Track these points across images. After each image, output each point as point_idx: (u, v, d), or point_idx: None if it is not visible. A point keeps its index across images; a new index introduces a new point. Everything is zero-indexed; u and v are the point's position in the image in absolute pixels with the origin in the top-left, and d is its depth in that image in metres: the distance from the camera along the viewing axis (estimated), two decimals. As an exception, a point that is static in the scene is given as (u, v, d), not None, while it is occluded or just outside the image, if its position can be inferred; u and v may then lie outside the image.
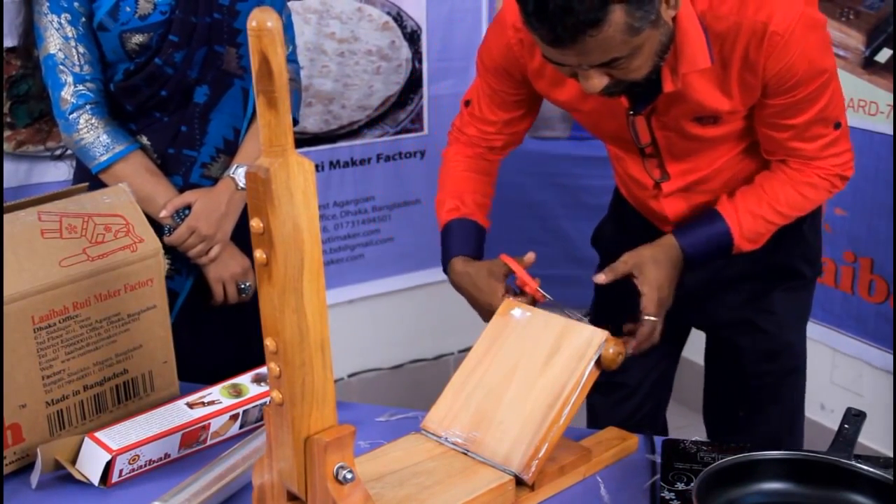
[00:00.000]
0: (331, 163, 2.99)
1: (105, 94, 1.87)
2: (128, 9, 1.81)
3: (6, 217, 1.45)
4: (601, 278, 1.58)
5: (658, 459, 1.44)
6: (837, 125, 1.61)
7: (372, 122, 3.03)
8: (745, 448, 1.39)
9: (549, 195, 3.13)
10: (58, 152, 2.42)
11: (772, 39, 1.45)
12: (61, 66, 1.82)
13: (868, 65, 2.51)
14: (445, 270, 1.72)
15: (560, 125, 3.11)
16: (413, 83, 3.05)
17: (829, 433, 1.36)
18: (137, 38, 1.82)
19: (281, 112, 1.04)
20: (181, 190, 1.91)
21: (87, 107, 1.83)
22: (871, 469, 1.27)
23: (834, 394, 2.85)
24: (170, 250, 1.90)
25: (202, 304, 1.97)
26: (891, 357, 2.61)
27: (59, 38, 1.81)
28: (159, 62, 1.84)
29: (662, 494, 1.33)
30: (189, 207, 1.87)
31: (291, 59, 2.05)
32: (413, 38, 3.02)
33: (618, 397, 1.94)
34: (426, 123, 3.10)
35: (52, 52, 1.82)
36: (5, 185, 2.39)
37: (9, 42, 2.35)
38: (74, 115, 1.83)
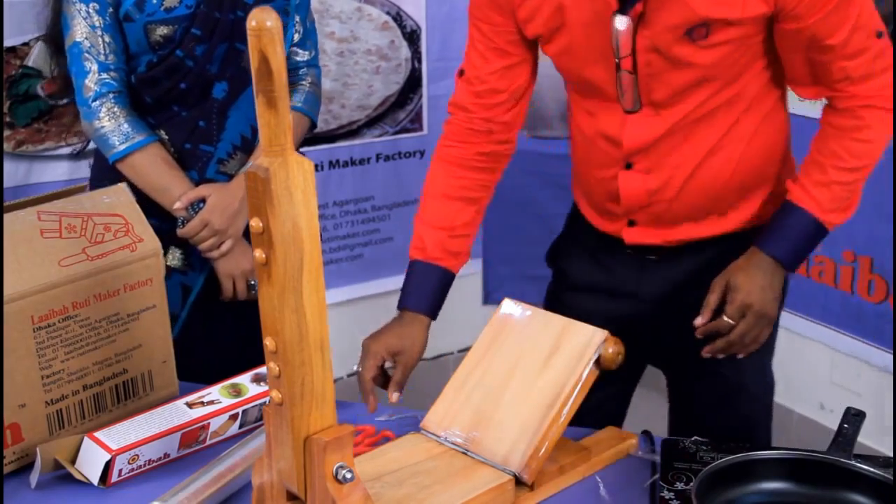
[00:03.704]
0: (330, 162, 2.99)
1: (127, 85, 1.89)
2: (154, 0, 1.83)
3: (6, 217, 1.45)
4: (700, 321, 1.51)
5: (657, 459, 1.44)
6: (880, 34, 1.47)
7: (371, 122, 3.03)
8: (745, 448, 1.39)
9: (549, 195, 3.13)
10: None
11: None
12: (86, 55, 1.83)
13: (867, 64, 2.51)
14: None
15: (559, 125, 3.11)
16: (412, 83, 3.05)
17: (829, 433, 1.36)
18: (162, 30, 1.84)
19: (280, 112, 1.04)
20: (196, 185, 1.91)
21: (110, 95, 1.84)
22: (871, 469, 1.27)
23: (833, 393, 2.85)
24: (184, 245, 1.92)
25: (215, 299, 1.97)
26: (890, 357, 2.61)
27: (85, 27, 1.82)
28: (180, 54, 1.86)
29: (662, 494, 1.33)
30: (203, 201, 1.88)
31: (313, 63, 2.07)
32: (412, 37, 3.02)
33: None
34: (425, 123, 3.10)
35: (78, 39, 1.84)
36: (4, 185, 2.39)
37: (9, 42, 2.35)
38: (97, 102, 1.84)
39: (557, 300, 1.80)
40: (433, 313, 1.64)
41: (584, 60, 1.57)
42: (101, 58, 1.84)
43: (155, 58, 1.87)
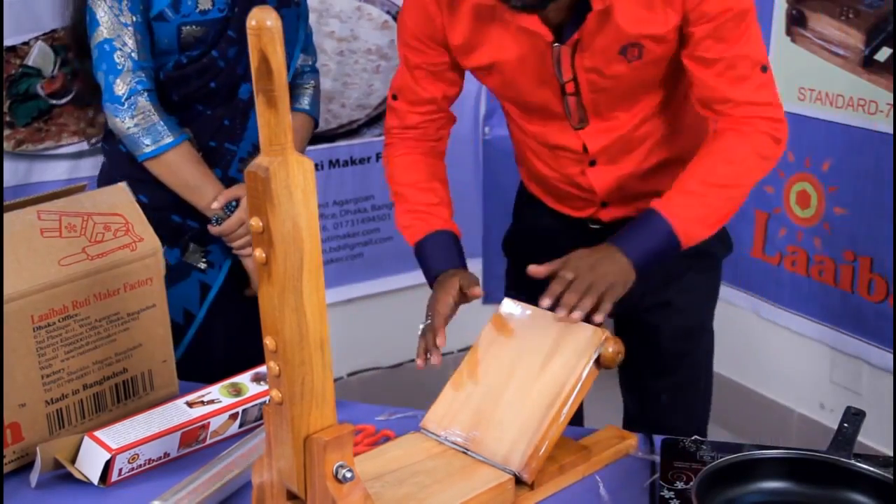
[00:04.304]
0: (330, 162, 2.99)
1: (155, 82, 1.89)
2: (189, 2, 1.84)
3: (6, 216, 1.45)
4: (533, 269, 1.53)
5: (657, 458, 1.44)
6: (764, 69, 1.58)
7: (371, 121, 3.03)
8: (744, 447, 1.40)
9: (549, 194, 3.13)
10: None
11: None
12: (119, 52, 1.82)
13: (868, 64, 2.51)
14: (432, 284, 1.68)
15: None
16: (412, 82, 3.04)
17: (829, 432, 1.36)
18: (195, 31, 1.86)
19: (280, 111, 1.04)
20: (220, 182, 1.93)
21: (145, 93, 1.83)
22: (871, 468, 1.27)
23: (833, 393, 2.85)
24: (202, 242, 1.93)
25: (233, 298, 1.98)
26: (890, 356, 2.61)
27: (117, 24, 1.81)
28: (216, 55, 1.88)
29: (662, 493, 1.33)
30: (237, 200, 1.89)
31: (315, 68, 2.11)
32: (412, 37, 3.01)
33: None
34: (426, 122, 3.10)
35: (109, 37, 1.82)
36: (4, 185, 2.39)
37: (9, 41, 2.35)
38: (130, 101, 1.82)
39: (522, 286, 1.82)
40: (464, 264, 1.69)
41: (526, 89, 1.66)
42: (135, 55, 1.82)
43: (184, 58, 1.88)
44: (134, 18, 1.81)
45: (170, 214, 1.84)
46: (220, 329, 1.97)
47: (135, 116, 1.83)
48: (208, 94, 1.92)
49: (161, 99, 1.91)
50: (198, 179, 1.88)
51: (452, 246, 1.69)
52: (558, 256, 1.60)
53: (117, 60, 1.82)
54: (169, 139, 1.85)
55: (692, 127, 1.71)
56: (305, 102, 2.07)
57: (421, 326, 1.59)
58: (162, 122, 1.85)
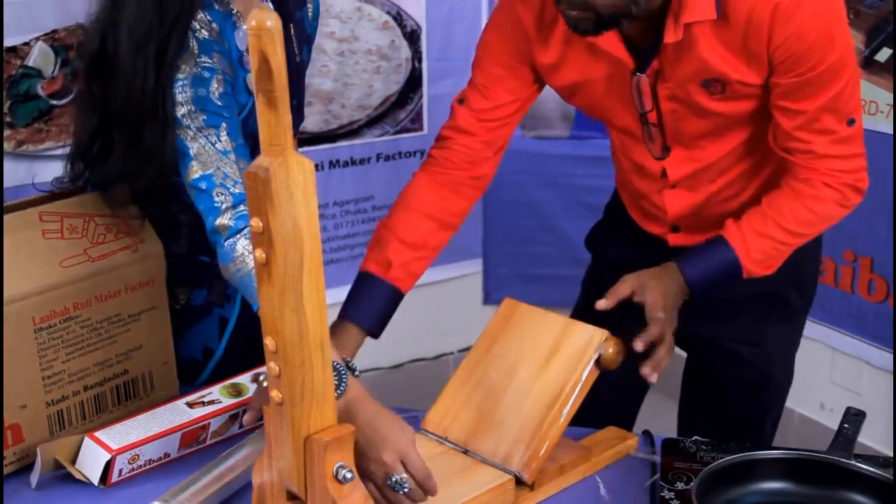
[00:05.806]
0: (330, 162, 2.99)
1: None
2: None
3: (6, 217, 1.45)
4: (602, 304, 1.51)
5: (657, 459, 1.44)
6: (851, 122, 1.51)
7: (372, 122, 3.03)
8: (745, 447, 1.40)
9: (549, 195, 3.13)
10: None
11: (778, 8, 1.39)
12: (219, 189, 1.49)
13: (868, 64, 2.51)
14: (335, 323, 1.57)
15: (560, 125, 3.11)
16: (413, 83, 3.05)
17: (829, 433, 1.36)
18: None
19: (280, 111, 1.04)
20: None
21: (246, 230, 1.47)
22: (871, 468, 1.27)
23: (833, 393, 2.85)
24: (223, 279, 1.67)
25: (252, 330, 1.83)
26: (890, 356, 2.61)
27: (214, 155, 1.49)
28: None
29: (662, 494, 1.33)
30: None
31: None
32: (413, 37, 3.01)
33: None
34: (426, 123, 3.10)
35: (206, 172, 1.49)
36: (4, 185, 2.39)
37: (9, 42, 2.35)
38: (231, 240, 1.46)
39: (597, 281, 1.83)
40: (377, 330, 1.63)
41: (612, 111, 1.62)
42: (238, 189, 1.49)
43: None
44: (233, 144, 1.51)
45: (197, 255, 1.70)
46: (240, 364, 1.87)
47: (236, 259, 1.46)
48: None
49: None
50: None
51: (375, 299, 1.62)
52: (634, 262, 1.58)
53: (216, 199, 1.49)
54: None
55: (782, 162, 1.60)
56: None
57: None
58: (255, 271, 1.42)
